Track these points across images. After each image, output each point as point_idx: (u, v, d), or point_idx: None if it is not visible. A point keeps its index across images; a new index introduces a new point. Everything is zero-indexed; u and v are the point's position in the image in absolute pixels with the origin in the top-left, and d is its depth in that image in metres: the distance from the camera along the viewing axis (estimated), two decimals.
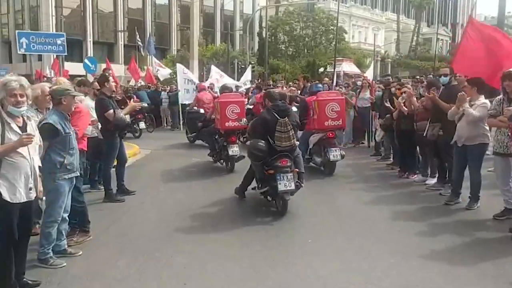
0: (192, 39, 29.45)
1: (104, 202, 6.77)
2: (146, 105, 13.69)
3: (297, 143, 6.38)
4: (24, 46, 12.30)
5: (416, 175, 8.14)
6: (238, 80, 21.71)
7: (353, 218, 6.08)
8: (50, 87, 4.76)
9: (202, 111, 11.69)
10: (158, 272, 4.35)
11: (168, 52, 47.27)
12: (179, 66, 17.54)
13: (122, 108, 7.15)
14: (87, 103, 7.15)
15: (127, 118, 7.06)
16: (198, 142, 12.17)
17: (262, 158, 6.01)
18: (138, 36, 35.79)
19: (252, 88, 16.71)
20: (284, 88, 14.85)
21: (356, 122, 11.93)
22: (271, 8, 50.88)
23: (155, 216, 6.21)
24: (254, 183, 6.71)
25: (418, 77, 16.24)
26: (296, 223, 5.83)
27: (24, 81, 3.76)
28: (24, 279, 3.91)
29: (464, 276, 4.24)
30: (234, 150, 8.59)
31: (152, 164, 10.23)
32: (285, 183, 5.80)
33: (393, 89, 9.06)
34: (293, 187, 5.87)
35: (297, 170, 6.13)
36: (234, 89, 16.82)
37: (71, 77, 27.09)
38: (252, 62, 34.17)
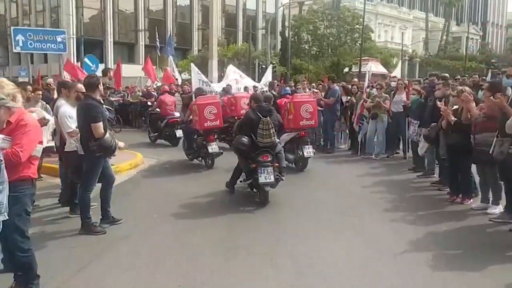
0: (212, 38, 28.09)
1: (80, 234, 5.43)
2: None
3: (278, 140, 7.06)
4: (21, 44, 11.22)
5: (472, 200, 6.54)
6: (259, 81, 20.28)
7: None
8: None
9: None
10: None
11: (189, 52, 46.36)
12: (193, 67, 16.23)
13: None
14: (64, 110, 5.86)
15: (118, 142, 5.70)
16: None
17: (245, 151, 6.72)
18: (157, 36, 34.86)
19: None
20: (307, 90, 13.38)
21: (390, 129, 10.33)
22: (295, 7, 49.26)
23: (141, 258, 4.82)
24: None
25: (459, 77, 14.47)
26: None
27: None
28: None
29: None
30: (213, 147, 9.31)
31: (152, 179, 8.89)
32: (265, 176, 6.46)
33: (438, 92, 7.49)
34: (272, 180, 6.52)
35: (278, 164, 6.76)
36: (251, 91, 15.62)
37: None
38: (274, 62, 32.67)
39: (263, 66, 29.62)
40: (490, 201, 6.13)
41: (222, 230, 5.67)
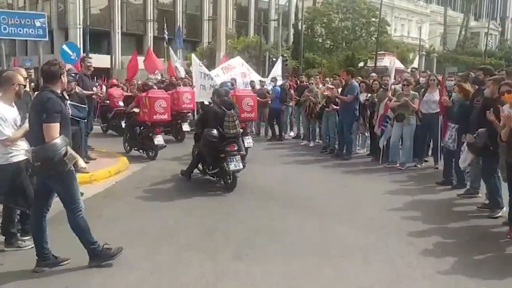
0: (220, 30, 26.62)
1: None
2: None
3: (241, 130, 7.73)
4: None
5: None
6: (269, 74, 18.68)
7: None
8: None
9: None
10: None
11: (199, 44, 44.99)
12: (194, 58, 14.73)
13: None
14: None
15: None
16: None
17: (215, 143, 7.07)
18: (166, 27, 33.56)
19: None
20: (320, 86, 11.82)
21: (419, 133, 8.74)
22: None
23: None
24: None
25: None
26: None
27: None
28: None
29: None
30: (159, 140, 9.55)
31: (128, 193, 7.31)
32: (234, 164, 7.03)
33: (487, 90, 5.89)
34: (241, 166, 7.13)
35: (242, 152, 7.48)
36: (258, 85, 14.15)
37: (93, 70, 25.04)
38: (285, 55, 31.07)
39: (274, 59, 28.02)
40: None
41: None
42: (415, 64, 44.60)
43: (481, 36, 67.89)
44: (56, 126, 3.94)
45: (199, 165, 7.75)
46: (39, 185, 4.24)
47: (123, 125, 11.85)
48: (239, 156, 7.16)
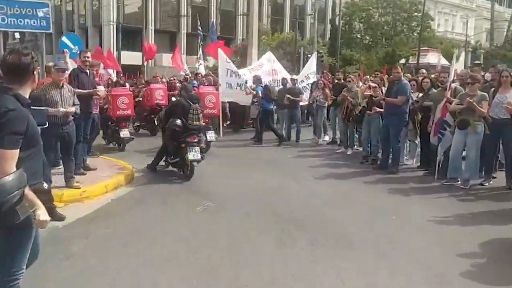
0: (252, 25, 25.11)
1: None
2: None
3: (204, 124, 8.34)
4: None
5: None
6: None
7: None
8: None
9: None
10: None
11: (233, 42, 43.75)
12: (221, 53, 13.35)
13: None
14: None
15: None
16: None
17: (178, 132, 7.57)
18: (199, 23, 32.54)
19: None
20: (361, 84, 10.21)
21: (488, 144, 6.99)
22: None
23: None
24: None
25: None
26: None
27: None
28: None
29: None
30: (124, 133, 10.15)
31: (125, 213, 5.99)
32: (193, 154, 7.50)
33: None
34: (199, 157, 7.60)
35: (202, 145, 7.93)
36: (289, 83, 12.69)
37: (124, 68, 23.94)
38: (321, 51, 29.35)
39: (309, 56, 26.35)
40: None
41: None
42: (461, 60, 41.75)
43: None
44: (12, 155, 2.47)
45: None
46: None
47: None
48: (198, 147, 7.60)
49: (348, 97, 9.56)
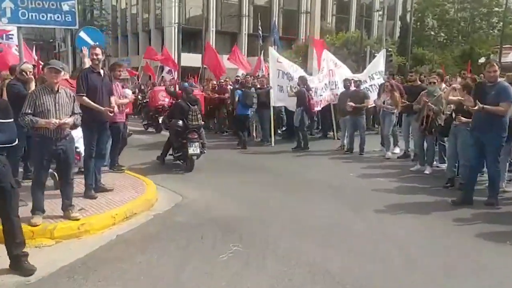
0: (313, 23, 23.28)
1: None
2: None
3: (202, 123, 8.98)
4: (9, 15, 7.69)
5: None
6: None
7: None
8: None
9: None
10: None
11: (295, 42, 42.16)
12: (272, 52, 11.75)
13: None
14: None
15: None
16: None
17: (180, 131, 8.37)
18: (260, 24, 31.31)
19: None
20: (444, 87, 8.24)
21: None
22: None
23: None
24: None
25: None
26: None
27: None
28: None
29: None
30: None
31: (118, 267, 4.42)
32: (193, 149, 8.26)
33: None
34: (198, 151, 8.35)
35: (202, 141, 8.63)
36: (352, 85, 10.96)
37: (185, 69, 23.47)
38: (390, 49, 26.92)
39: (375, 55, 24.13)
40: None
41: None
42: None
43: None
44: None
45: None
46: None
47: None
48: (198, 143, 8.34)
49: (429, 104, 7.58)
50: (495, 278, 4.02)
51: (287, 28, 44.55)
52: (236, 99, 11.95)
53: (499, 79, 6.40)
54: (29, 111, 4.72)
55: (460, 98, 6.78)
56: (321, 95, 11.91)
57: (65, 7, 8.10)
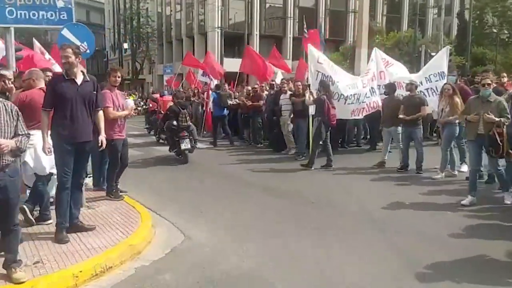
0: (360, 23, 21.34)
1: None
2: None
3: (190, 123, 10.44)
4: None
5: None
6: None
7: None
8: None
9: None
10: None
11: (343, 44, 40.13)
12: (312, 50, 10.09)
13: None
14: None
15: None
16: None
17: (174, 130, 9.97)
18: (305, 26, 29.71)
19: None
20: None
21: None
22: None
23: None
24: None
25: None
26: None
27: None
28: None
29: None
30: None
31: None
32: (184, 144, 9.90)
33: None
34: (189, 147, 10.01)
35: (192, 137, 10.18)
36: (403, 88, 9.17)
37: (230, 74, 21.63)
38: (450, 47, 24.47)
39: (432, 54, 21.77)
40: None
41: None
42: None
43: None
44: None
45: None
46: None
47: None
48: (188, 139, 10.00)
49: (491, 116, 5.67)
50: None
51: (334, 29, 42.56)
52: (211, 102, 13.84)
53: None
54: None
55: None
56: (363, 101, 10.11)
57: (60, 3, 6.86)
